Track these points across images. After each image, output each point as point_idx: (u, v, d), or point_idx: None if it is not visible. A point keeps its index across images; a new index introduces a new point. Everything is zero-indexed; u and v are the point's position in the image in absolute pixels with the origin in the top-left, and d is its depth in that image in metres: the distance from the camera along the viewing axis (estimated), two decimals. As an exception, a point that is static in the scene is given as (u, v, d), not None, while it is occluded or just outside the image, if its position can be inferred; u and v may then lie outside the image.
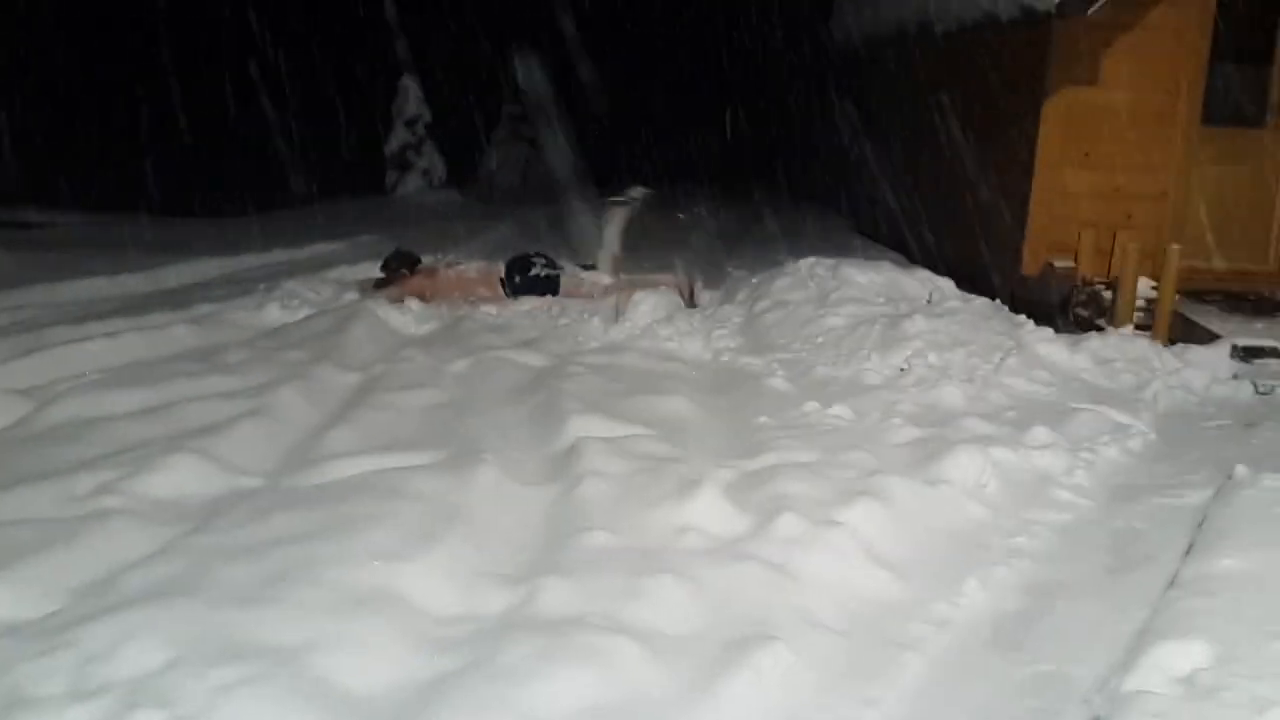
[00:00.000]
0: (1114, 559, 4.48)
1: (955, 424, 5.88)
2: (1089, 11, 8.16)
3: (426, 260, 9.46)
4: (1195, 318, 8.18)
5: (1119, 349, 7.53)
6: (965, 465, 5.12)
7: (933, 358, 7.02)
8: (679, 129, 18.81)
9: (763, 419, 6.02)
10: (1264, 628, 3.49)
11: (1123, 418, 6.23)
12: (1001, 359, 7.06)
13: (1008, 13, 9.03)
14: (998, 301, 8.48)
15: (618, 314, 8.20)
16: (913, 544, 4.42)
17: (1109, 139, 8.95)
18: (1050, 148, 8.97)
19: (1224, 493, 4.97)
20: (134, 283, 9.42)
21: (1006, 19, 9.07)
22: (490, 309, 8.69)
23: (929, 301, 8.30)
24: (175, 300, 8.48)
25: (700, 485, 4.60)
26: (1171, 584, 4.03)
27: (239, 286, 9.13)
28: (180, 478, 4.66)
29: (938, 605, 3.95)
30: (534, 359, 7.07)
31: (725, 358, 7.48)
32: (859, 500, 4.56)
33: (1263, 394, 7.06)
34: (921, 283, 8.72)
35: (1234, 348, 7.62)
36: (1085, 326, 8.30)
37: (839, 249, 10.69)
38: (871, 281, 8.54)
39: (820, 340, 7.55)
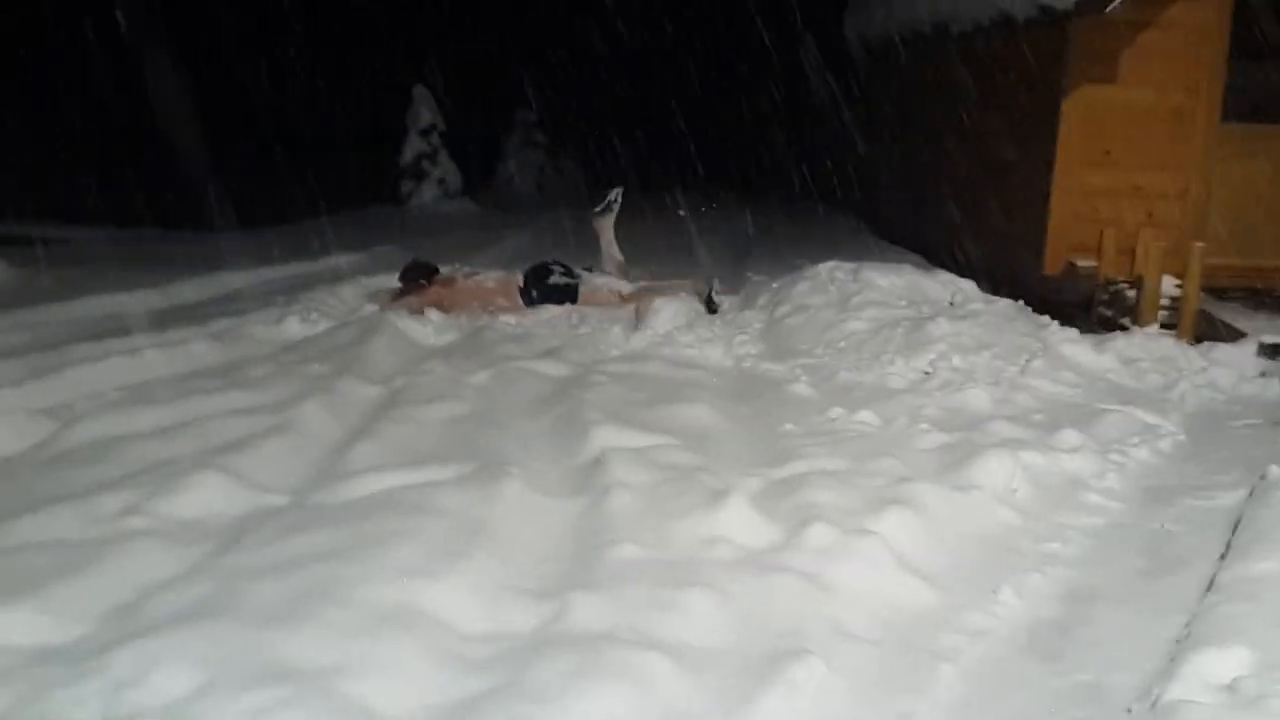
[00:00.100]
0: (1149, 563, 4.42)
1: (983, 428, 5.83)
2: (1106, 10, 8.09)
3: (444, 270, 9.44)
4: (1220, 316, 8.12)
5: (1145, 348, 7.48)
6: (995, 470, 5.08)
7: (957, 361, 6.98)
8: (684, 131, 18.76)
9: (788, 426, 5.98)
10: (1306, 633, 3.43)
11: (1151, 418, 6.19)
12: (1027, 361, 7.01)
13: (1025, 12, 8.98)
14: (1021, 302, 8.42)
15: (638, 322, 8.17)
16: (945, 552, 4.38)
17: (1129, 137, 8.89)
18: (1070, 147, 8.93)
19: (1258, 494, 4.91)
20: (151, 298, 9.37)
21: (1024, 19, 9.02)
22: (509, 319, 8.66)
23: (951, 304, 8.25)
24: (194, 315, 8.46)
25: (728, 495, 4.56)
26: (1209, 588, 3.99)
27: (257, 300, 9.11)
28: (205, 497, 4.63)
29: (972, 614, 3.90)
30: (555, 369, 7.04)
31: (747, 364, 7.44)
32: (889, 508, 4.52)
33: (1291, 392, 6.99)
34: (943, 285, 8.66)
35: (1260, 345, 7.56)
36: (1109, 326, 8.25)
37: (856, 252, 10.66)
38: (893, 284, 8.48)
39: (842, 345, 7.50)
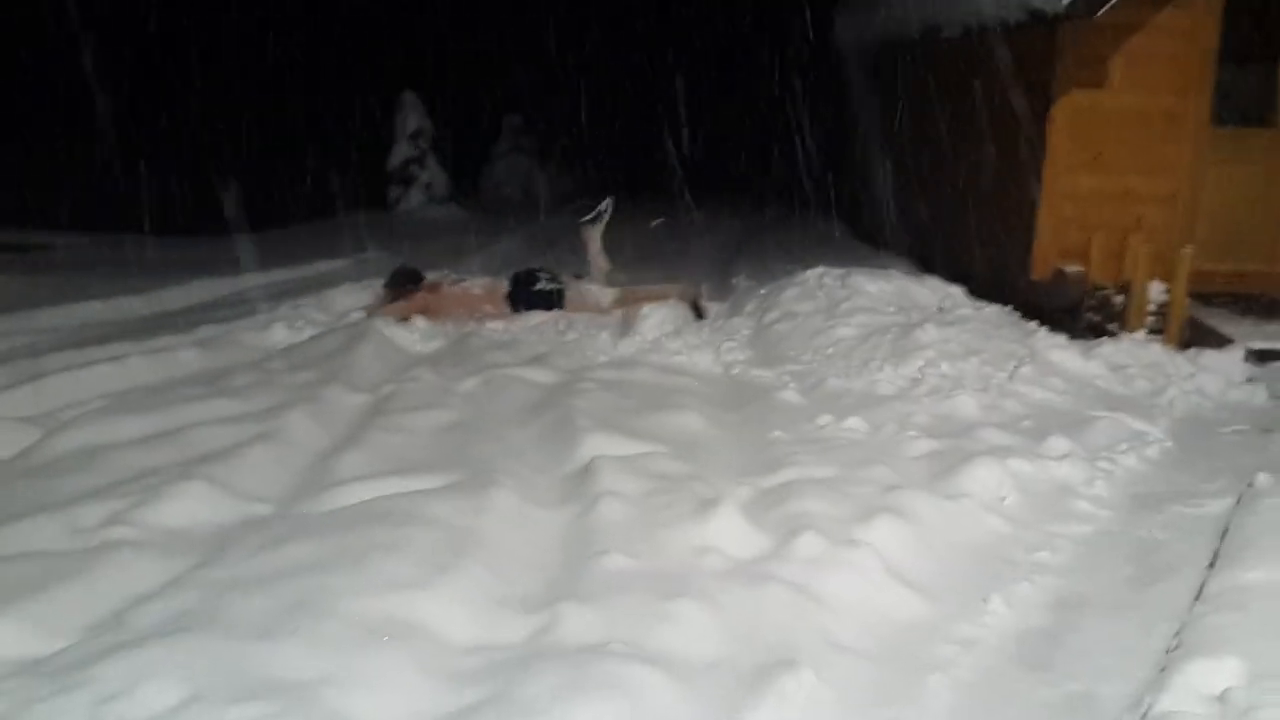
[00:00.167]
0: (1138, 572, 4.42)
1: (971, 435, 5.82)
2: (1096, 14, 8.09)
3: (431, 276, 9.42)
4: (1207, 321, 8.13)
5: (1132, 354, 7.48)
6: (984, 478, 5.08)
7: (946, 367, 6.97)
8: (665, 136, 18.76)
9: (777, 433, 5.96)
10: (1297, 643, 3.43)
11: (1139, 425, 6.19)
12: (1015, 367, 7.00)
13: (1014, 16, 8.97)
14: (1009, 308, 8.41)
15: (625, 328, 8.15)
16: (935, 561, 4.37)
17: (1118, 141, 8.89)
18: (1059, 151, 8.92)
19: (1246, 502, 4.91)
20: (135, 305, 9.34)
21: (1014, 22, 9.01)
22: (496, 325, 8.63)
23: (940, 310, 8.23)
24: (179, 322, 8.42)
25: (718, 504, 4.54)
26: (1198, 597, 3.98)
27: (243, 307, 9.07)
28: (191, 506, 4.60)
29: (963, 624, 3.90)
30: (543, 376, 7.01)
31: (736, 371, 7.42)
32: (879, 517, 4.51)
33: (1278, 398, 6.99)
34: (932, 290, 8.65)
35: (1248, 351, 7.57)
36: (1097, 332, 8.24)
37: (843, 257, 10.66)
38: (881, 290, 8.47)
39: (831, 351, 7.48)
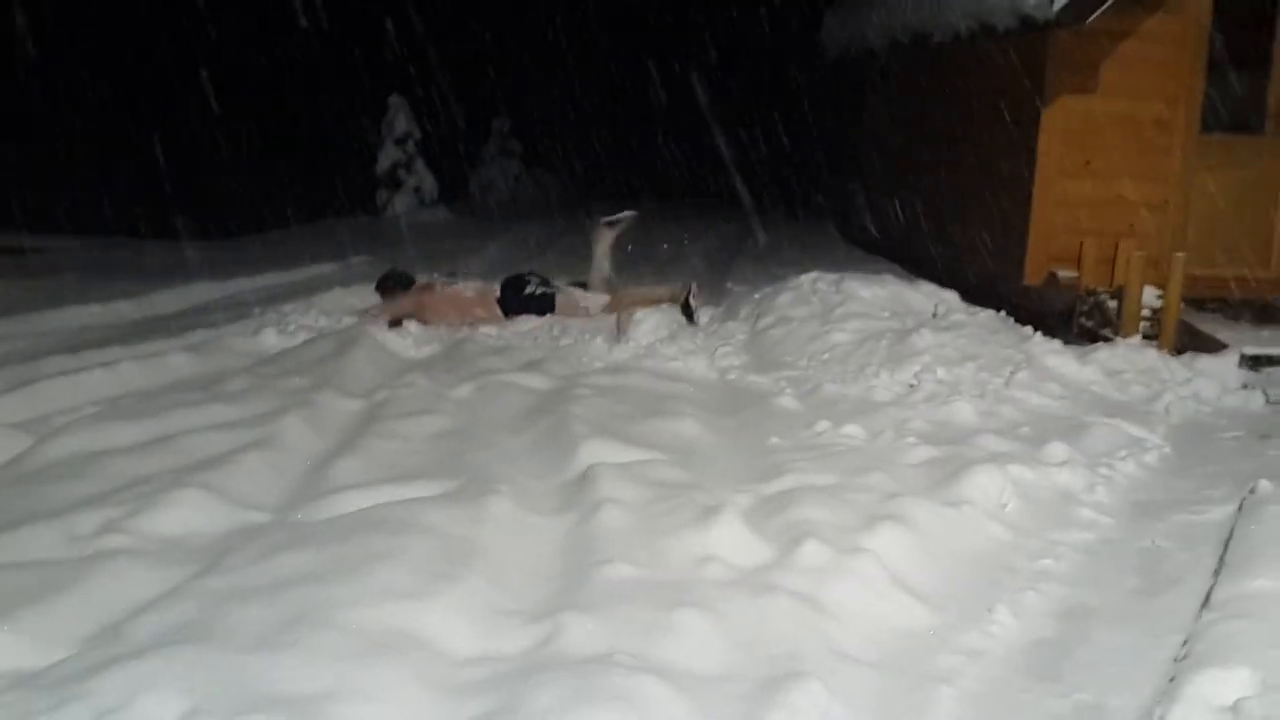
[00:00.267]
0: (1143, 580, 4.39)
1: (970, 441, 5.80)
2: (1087, 20, 8.10)
3: (421, 279, 9.38)
4: (1200, 326, 8.13)
5: (1128, 360, 7.47)
6: (985, 485, 5.04)
7: (942, 373, 6.95)
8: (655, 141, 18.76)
9: (774, 440, 5.93)
10: (1307, 652, 3.40)
11: (1137, 431, 6.18)
12: (1012, 373, 6.98)
13: (1005, 22, 8.97)
14: (1003, 313, 8.41)
15: (620, 333, 8.11)
16: (938, 570, 4.33)
17: (1109, 148, 8.91)
18: (1050, 157, 8.94)
19: (1248, 509, 4.89)
20: (127, 309, 9.28)
21: (1004, 29, 9.01)
22: (489, 330, 8.59)
23: (935, 315, 8.22)
24: (171, 327, 8.37)
25: (719, 512, 4.49)
26: (1206, 606, 3.95)
27: (234, 311, 9.02)
28: (186, 514, 4.55)
29: (968, 634, 3.86)
30: (538, 382, 6.97)
31: (731, 376, 7.39)
32: (881, 525, 4.47)
33: (1275, 404, 6.99)
34: (926, 296, 8.64)
35: (1242, 356, 7.58)
36: (1091, 337, 8.25)
37: (836, 261, 10.65)
38: (876, 296, 8.45)
39: (826, 357, 7.46)
